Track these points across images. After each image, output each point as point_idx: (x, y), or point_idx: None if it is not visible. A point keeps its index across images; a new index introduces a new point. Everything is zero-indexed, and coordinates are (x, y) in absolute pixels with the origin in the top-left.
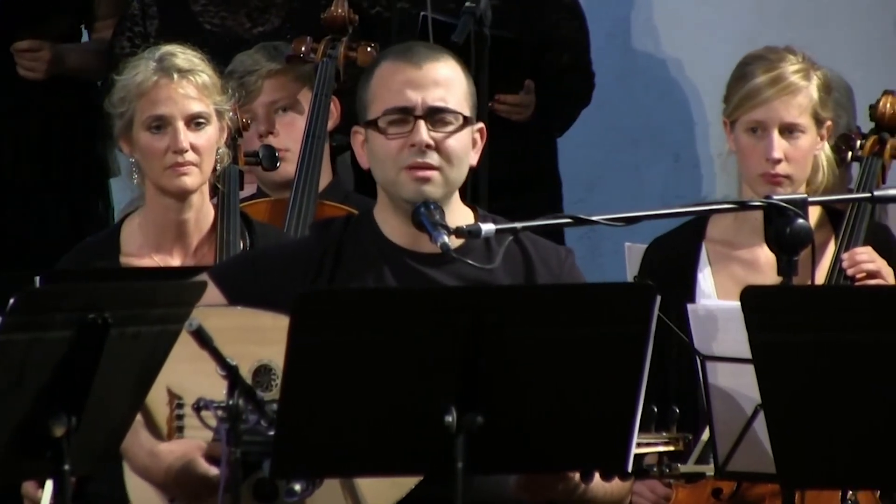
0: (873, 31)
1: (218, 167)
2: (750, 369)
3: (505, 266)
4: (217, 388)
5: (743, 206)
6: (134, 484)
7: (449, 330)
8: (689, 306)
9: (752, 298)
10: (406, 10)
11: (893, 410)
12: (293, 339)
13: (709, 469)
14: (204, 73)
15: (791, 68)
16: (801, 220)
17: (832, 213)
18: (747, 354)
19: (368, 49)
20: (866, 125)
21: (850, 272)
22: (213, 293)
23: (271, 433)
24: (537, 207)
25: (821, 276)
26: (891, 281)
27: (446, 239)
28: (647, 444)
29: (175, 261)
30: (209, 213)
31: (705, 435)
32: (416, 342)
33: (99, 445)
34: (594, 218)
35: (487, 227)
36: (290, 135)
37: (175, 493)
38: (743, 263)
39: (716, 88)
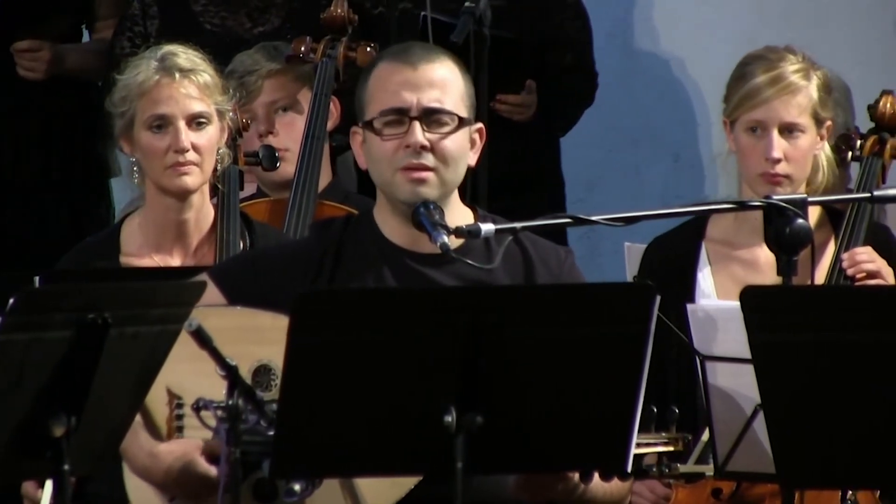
0: (873, 31)
1: (218, 167)
2: (750, 369)
3: (504, 266)
4: (217, 388)
5: (743, 206)
6: (134, 484)
7: (449, 330)
8: (689, 306)
9: (752, 298)
10: (406, 10)
11: (893, 410)
12: (293, 339)
13: (708, 469)
14: (205, 72)
15: (791, 68)
16: (800, 220)
17: (832, 213)
18: (747, 354)
19: (368, 49)
20: (865, 125)
21: (849, 272)
22: (212, 293)
23: (271, 433)
24: (538, 207)
25: (821, 276)
26: (891, 281)
27: (446, 239)
28: (647, 445)
29: (175, 261)
30: (209, 213)
31: (705, 435)
32: (416, 342)
33: (99, 445)
34: (594, 218)
35: (487, 227)
36: (289, 135)
37: (175, 493)
38: (743, 263)
39: (716, 88)
